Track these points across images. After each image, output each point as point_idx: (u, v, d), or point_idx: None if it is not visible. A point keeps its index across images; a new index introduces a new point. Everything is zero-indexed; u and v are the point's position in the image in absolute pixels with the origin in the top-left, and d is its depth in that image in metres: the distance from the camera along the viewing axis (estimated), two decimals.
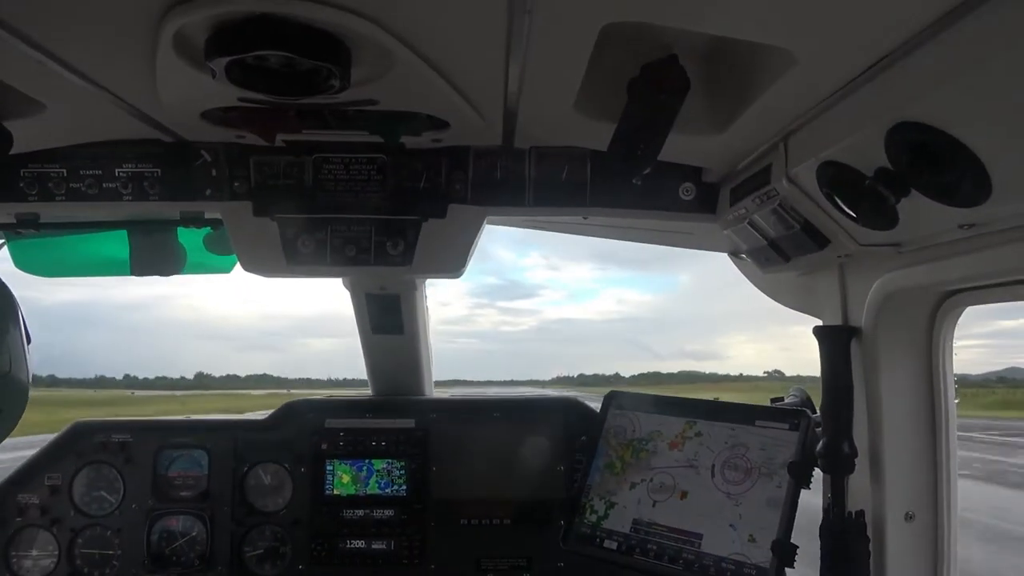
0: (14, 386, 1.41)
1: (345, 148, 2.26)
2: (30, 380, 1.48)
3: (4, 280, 1.53)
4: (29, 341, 1.51)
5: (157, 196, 2.31)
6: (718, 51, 1.63)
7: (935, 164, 1.31)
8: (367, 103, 1.80)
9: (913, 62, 1.23)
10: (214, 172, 2.31)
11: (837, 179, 1.59)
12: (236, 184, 2.31)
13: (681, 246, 2.76)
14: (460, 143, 2.27)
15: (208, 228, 2.72)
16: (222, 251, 2.80)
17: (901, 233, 1.61)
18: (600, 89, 1.71)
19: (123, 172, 2.29)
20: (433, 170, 2.31)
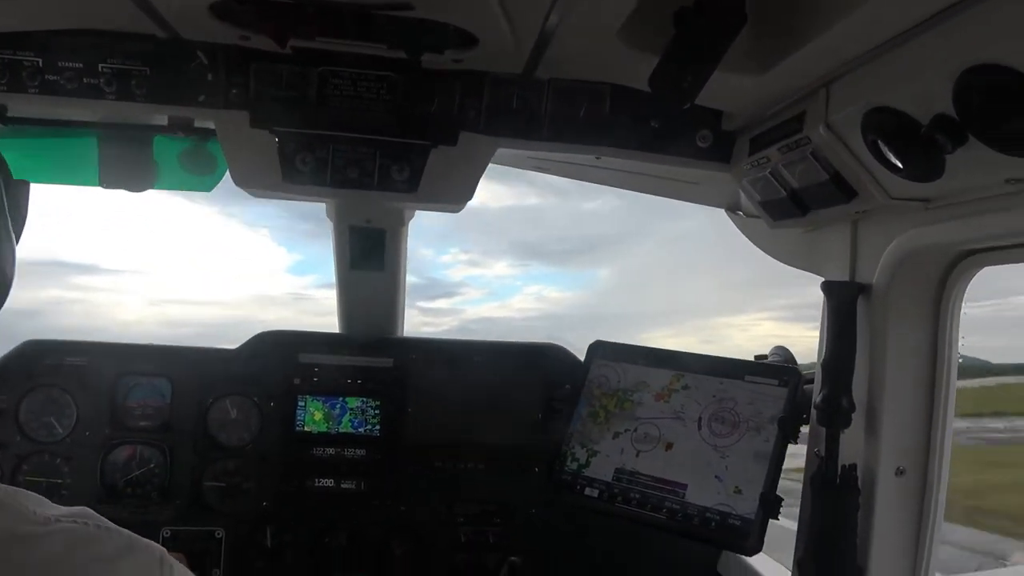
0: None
1: (355, 62, 2.13)
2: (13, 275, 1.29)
3: None
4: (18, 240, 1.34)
5: (144, 97, 2.13)
6: None
7: (1007, 110, 1.30)
8: (400, 7, 1.68)
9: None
10: (210, 76, 2.13)
11: (886, 127, 1.57)
12: (233, 91, 2.14)
13: (683, 198, 2.73)
14: (479, 67, 2.17)
15: (186, 142, 2.54)
16: (199, 169, 2.62)
17: (940, 186, 1.61)
18: (648, 17, 1.64)
19: (107, 67, 2.09)
20: (446, 94, 2.20)
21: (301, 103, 2.15)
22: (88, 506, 1.07)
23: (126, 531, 1.07)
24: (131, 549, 1.05)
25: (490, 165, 2.36)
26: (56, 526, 1.00)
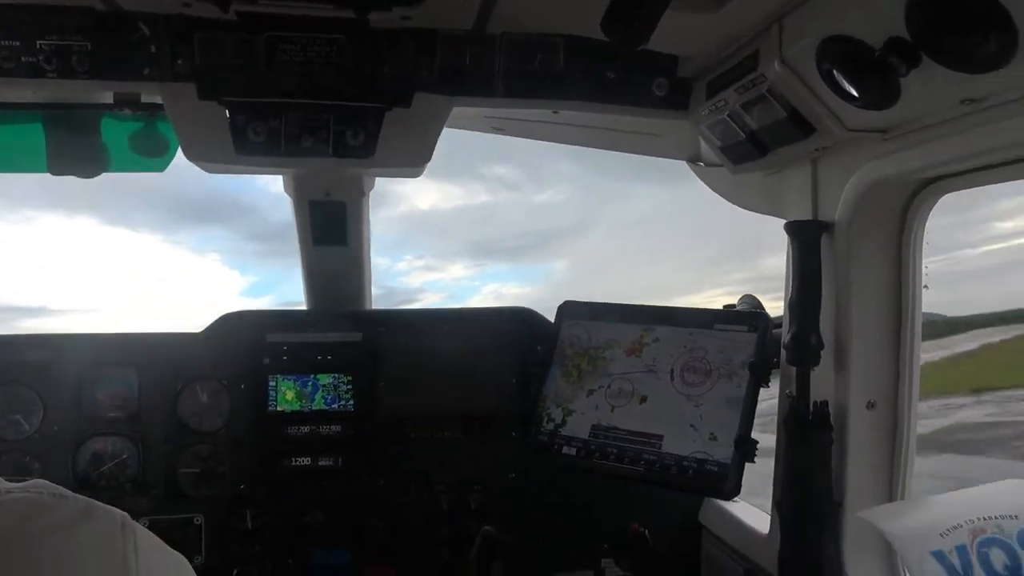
0: None
1: (302, 26, 2.08)
2: None
3: None
4: None
5: (86, 74, 2.05)
6: None
7: (958, 25, 1.30)
8: None
9: None
10: (153, 48, 2.07)
11: (840, 55, 1.57)
12: (179, 62, 2.08)
13: (644, 152, 2.72)
14: (429, 25, 2.13)
15: (136, 124, 2.47)
16: (150, 150, 2.55)
17: (897, 113, 1.61)
18: None
19: (46, 44, 2.02)
20: (398, 54, 2.16)
21: (249, 71, 2.10)
22: None
23: (84, 497, 1.01)
24: (89, 514, 1.00)
25: (446, 131, 2.32)
26: (7, 497, 0.95)
